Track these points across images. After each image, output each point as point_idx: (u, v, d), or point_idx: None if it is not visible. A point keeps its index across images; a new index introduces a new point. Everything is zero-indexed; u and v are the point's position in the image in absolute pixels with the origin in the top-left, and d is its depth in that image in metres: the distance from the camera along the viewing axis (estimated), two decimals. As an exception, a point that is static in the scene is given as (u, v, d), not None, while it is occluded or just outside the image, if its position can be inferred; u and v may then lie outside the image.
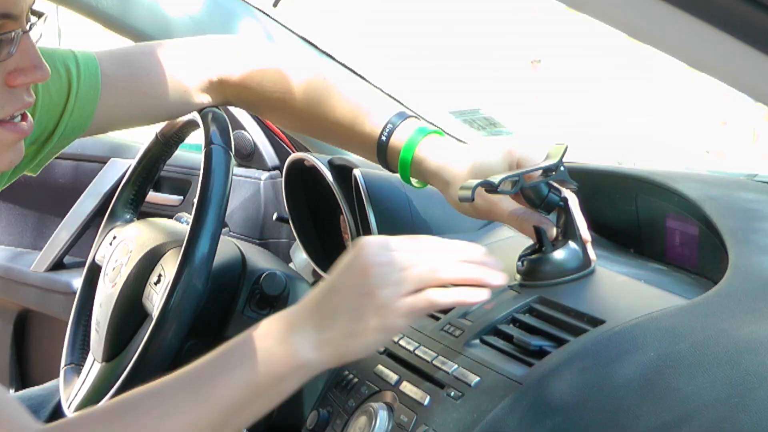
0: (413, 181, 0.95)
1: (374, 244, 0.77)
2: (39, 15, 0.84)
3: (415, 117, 0.95)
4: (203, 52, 1.06)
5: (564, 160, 0.83)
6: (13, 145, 0.85)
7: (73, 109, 0.98)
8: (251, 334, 0.77)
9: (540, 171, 0.82)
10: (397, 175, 1.00)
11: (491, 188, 0.79)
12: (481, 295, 0.77)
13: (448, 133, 0.98)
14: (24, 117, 0.85)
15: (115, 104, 1.01)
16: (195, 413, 0.74)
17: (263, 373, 0.75)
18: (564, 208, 0.85)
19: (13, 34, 0.79)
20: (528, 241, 0.89)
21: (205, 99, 1.07)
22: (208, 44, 1.07)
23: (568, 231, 0.85)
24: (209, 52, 1.06)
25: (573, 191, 0.86)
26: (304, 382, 0.77)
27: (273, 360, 0.75)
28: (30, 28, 0.82)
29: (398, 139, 0.93)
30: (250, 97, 1.05)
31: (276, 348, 0.75)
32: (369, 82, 1.51)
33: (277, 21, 1.55)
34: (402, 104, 1.44)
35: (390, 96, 1.50)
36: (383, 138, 0.94)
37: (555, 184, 0.84)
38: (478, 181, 0.79)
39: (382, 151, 0.95)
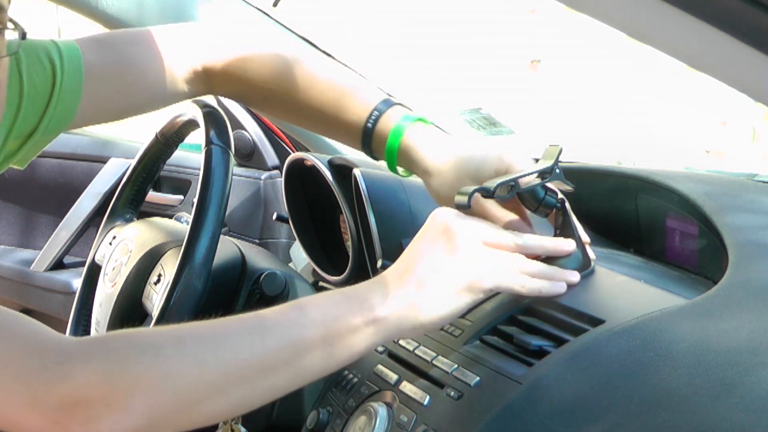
0: (399, 169, 0.93)
1: (451, 211, 0.80)
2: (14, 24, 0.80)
3: (401, 104, 0.94)
4: (187, 40, 1.03)
5: (561, 160, 0.83)
6: None
7: (58, 101, 0.95)
8: (332, 290, 0.78)
9: (536, 174, 0.82)
10: (398, 175, 1.00)
11: (487, 194, 0.79)
12: (561, 288, 0.81)
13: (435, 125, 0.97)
14: None
15: (100, 95, 0.99)
16: (260, 338, 0.72)
17: (334, 318, 0.74)
18: (561, 209, 0.85)
19: None
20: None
21: (190, 88, 1.04)
22: (191, 32, 1.05)
23: (566, 232, 0.85)
24: (193, 40, 1.03)
25: (568, 192, 0.86)
26: (380, 341, 0.76)
27: (347, 309, 0.75)
28: None
29: (385, 126, 0.92)
30: (234, 86, 1.03)
31: (352, 300, 0.75)
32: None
33: (277, 21, 1.55)
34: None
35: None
36: (369, 124, 0.92)
37: (551, 186, 0.84)
38: (475, 187, 0.79)
39: (367, 138, 0.93)
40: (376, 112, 0.92)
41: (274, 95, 1.00)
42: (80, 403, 0.66)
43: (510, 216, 0.85)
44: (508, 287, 0.79)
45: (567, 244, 0.83)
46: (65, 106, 0.96)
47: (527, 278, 0.79)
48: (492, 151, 0.86)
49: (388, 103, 0.93)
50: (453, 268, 0.77)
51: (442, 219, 0.79)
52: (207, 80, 1.03)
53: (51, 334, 0.70)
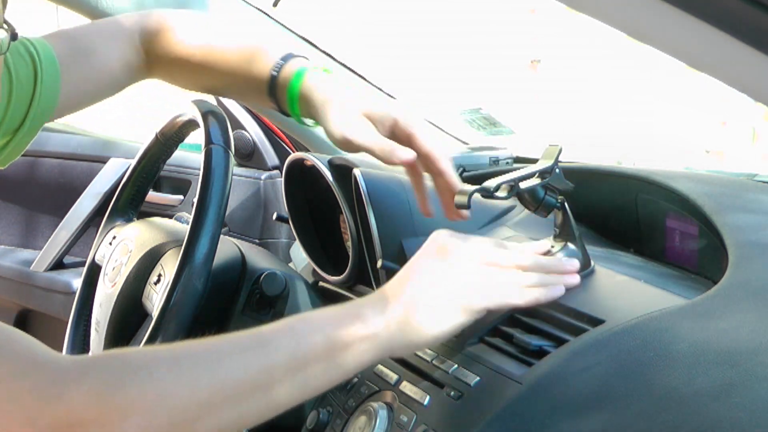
0: (307, 121, 0.95)
1: (449, 232, 0.81)
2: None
3: (305, 57, 0.97)
4: (132, 26, 1.06)
5: (561, 160, 0.83)
6: None
7: (41, 94, 0.97)
8: (330, 306, 0.78)
9: (536, 174, 0.82)
10: (398, 176, 1.00)
11: (487, 194, 0.80)
12: (558, 291, 0.81)
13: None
14: None
15: (73, 85, 1.01)
16: (254, 354, 0.72)
17: (329, 335, 0.74)
18: (561, 209, 0.85)
19: None
20: (529, 241, 0.89)
21: (137, 72, 1.07)
22: (136, 19, 1.08)
23: (566, 232, 0.85)
24: (136, 25, 1.06)
25: (568, 192, 0.86)
26: (376, 358, 0.75)
27: (342, 325, 0.75)
28: None
29: (287, 74, 0.94)
30: (161, 65, 1.05)
31: (348, 317, 0.75)
32: (368, 81, 1.52)
33: (277, 21, 1.55)
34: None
35: (389, 95, 1.50)
36: (273, 73, 0.95)
37: (551, 186, 0.84)
38: (475, 187, 0.80)
39: (272, 89, 0.96)
40: (281, 62, 0.95)
41: (191, 63, 1.02)
42: (75, 424, 0.65)
43: (379, 137, 0.87)
44: (505, 304, 0.79)
45: (569, 264, 0.83)
46: (47, 99, 0.98)
47: (524, 290, 0.79)
48: (390, 101, 0.90)
49: (292, 55, 0.96)
50: (447, 288, 0.77)
51: (440, 238, 0.80)
52: (147, 62, 1.06)
53: (46, 352, 0.70)
